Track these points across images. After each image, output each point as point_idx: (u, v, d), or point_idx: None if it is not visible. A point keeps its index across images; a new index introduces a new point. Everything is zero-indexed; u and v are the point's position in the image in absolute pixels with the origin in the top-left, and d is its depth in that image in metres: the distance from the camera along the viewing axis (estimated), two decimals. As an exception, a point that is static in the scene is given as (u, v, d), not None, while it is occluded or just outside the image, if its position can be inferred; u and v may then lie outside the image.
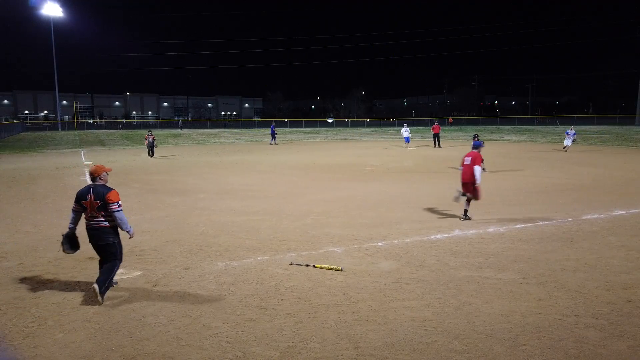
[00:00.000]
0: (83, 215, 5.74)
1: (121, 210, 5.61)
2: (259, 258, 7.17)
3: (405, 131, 31.46)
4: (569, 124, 60.67)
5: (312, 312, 5.20)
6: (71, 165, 21.68)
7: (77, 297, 5.69)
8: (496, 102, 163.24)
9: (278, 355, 4.29)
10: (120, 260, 5.78)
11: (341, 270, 6.50)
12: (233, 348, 4.42)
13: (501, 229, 8.80)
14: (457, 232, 8.65)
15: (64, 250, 5.87)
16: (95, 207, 5.54)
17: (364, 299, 5.56)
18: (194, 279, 6.28)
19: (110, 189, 5.61)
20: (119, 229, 5.70)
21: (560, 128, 60.93)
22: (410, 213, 10.38)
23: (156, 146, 25.61)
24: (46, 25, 70.30)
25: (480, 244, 7.81)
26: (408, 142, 31.41)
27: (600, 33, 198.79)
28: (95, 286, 5.46)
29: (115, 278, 6.21)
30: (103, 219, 5.59)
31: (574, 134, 25.19)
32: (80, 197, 5.62)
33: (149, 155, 25.33)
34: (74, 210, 5.73)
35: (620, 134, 45.20)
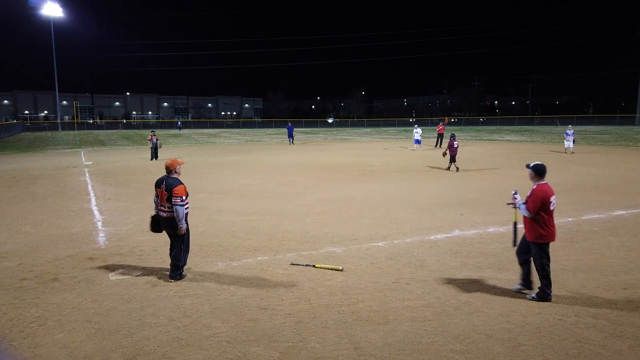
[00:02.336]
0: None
1: (182, 205, 6.09)
2: (259, 258, 7.17)
3: (416, 132, 29.12)
4: (569, 124, 60.72)
5: (312, 312, 5.20)
6: (71, 165, 21.68)
7: (77, 297, 5.69)
8: (496, 102, 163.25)
9: (278, 355, 4.29)
10: (185, 247, 6.28)
11: (341, 270, 6.51)
12: (233, 348, 4.42)
13: (501, 229, 8.80)
14: (457, 232, 8.65)
15: (150, 229, 6.45)
16: (165, 197, 6.13)
17: (364, 299, 5.56)
18: (194, 279, 6.28)
19: (179, 184, 6.14)
20: (187, 218, 6.28)
21: (560, 128, 60.88)
22: (410, 213, 10.38)
23: (160, 147, 24.44)
24: (46, 25, 70.27)
25: (480, 244, 7.81)
26: (418, 144, 29.11)
27: (600, 33, 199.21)
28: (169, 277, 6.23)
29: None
30: (170, 210, 6.11)
31: (573, 134, 25.13)
32: (156, 185, 6.30)
33: (154, 158, 23.42)
34: (155, 195, 6.36)
35: (620, 134, 45.19)
